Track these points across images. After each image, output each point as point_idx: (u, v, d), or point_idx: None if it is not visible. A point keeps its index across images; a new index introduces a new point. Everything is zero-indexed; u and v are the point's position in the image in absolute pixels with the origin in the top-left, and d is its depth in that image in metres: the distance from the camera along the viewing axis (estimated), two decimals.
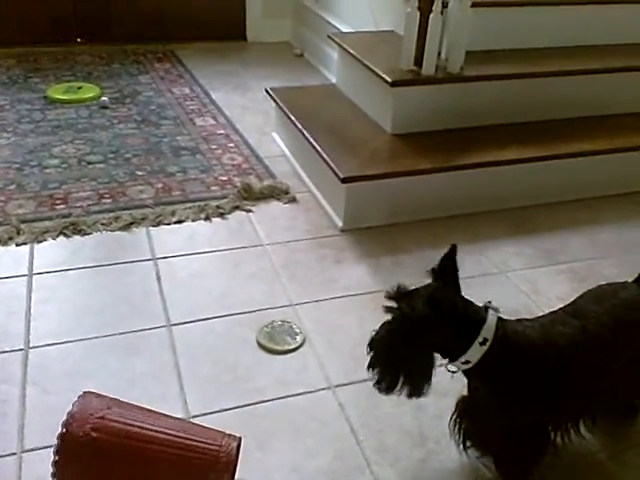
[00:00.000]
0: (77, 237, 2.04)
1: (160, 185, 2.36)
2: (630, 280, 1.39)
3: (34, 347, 1.59)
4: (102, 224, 2.10)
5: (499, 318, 1.19)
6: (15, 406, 1.43)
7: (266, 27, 4.08)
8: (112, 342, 1.63)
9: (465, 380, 1.27)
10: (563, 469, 1.36)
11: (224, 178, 2.43)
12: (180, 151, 2.63)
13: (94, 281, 1.86)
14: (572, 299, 1.35)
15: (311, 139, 2.30)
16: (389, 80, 2.26)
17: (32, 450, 1.33)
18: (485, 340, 1.15)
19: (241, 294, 1.83)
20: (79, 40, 3.81)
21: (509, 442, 1.26)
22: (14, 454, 1.32)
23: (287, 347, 1.65)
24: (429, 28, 2.23)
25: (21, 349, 1.58)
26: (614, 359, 1.29)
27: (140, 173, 2.43)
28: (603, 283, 1.38)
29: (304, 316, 1.76)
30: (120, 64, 3.59)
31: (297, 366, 1.59)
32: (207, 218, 2.18)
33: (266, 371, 1.57)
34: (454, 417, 1.34)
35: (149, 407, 1.28)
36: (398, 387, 1.18)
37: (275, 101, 2.68)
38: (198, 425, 1.31)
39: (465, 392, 1.32)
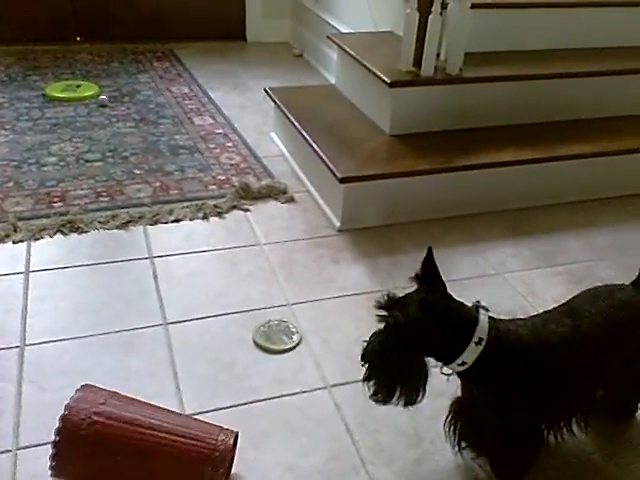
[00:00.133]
0: (74, 235, 2.04)
1: (158, 184, 2.36)
2: (627, 282, 1.39)
3: (30, 344, 1.59)
4: (99, 222, 2.09)
5: (490, 317, 1.19)
6: (11, 403, 1.42)
7: (265, 27, 4.09)
8: (108, 340, 1.63)
9: (459, 381, 1.27)
10: (558, 470, 1.36)
11: (222, 177, 2.43)
12: (178, 150, 2.63)
13: (91, 279, 1.86)
14: (567, 299, 1.35)
15: (309, 139, 2.30)
16: (388, 81, 2.26)
17: (27, 447, 1.33)
18: (480, 340, 1.15)
19: (238, 293, 1.83)
20: (78, 39, 3.81)
21: (504, 442, 1.26)
22: (9, 451, 1.32)
23: (283, 347, 1.65)
24: (428, 29, 2.24)
25: (17, 346, 1.58)
26: (607, 359, 1.29)
27: (138, 172, 2.43)
28: (600, 284, 1.39)
29: (301, 316, 1.76)
30: (119, 63, 3.59)
31: (293, 366, 1.59)
32: (205, 217, 2.18)
33: (262, 370, 1.57)
34: (449, 418, 1.34)
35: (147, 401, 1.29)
36: (395, 398, 1.17)
37: (274, 101, 2.68)
38: (195, 419, 1.32)
39: (459, 393, 1.32)
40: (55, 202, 2.19)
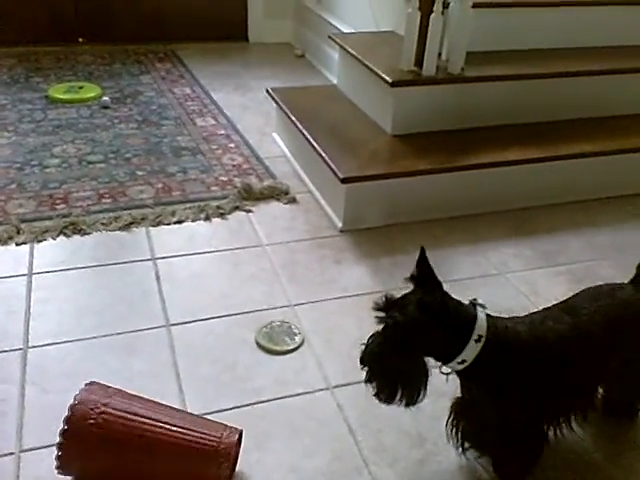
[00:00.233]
0: (77, 237, 2.04)
1: (160, 185, 2.36)
2: (627, 281, 1.40)
3: (33, 347, 1.60)
4: (102, 224, 2.10)
5: (488, 315, 1.20)
6: (14, 406, 1.43)
7: (267, 28, 4.09)
8: (111, 342, 1.63)
9: (459, 381, 1.27)
10: (559, 470, 1.36)
11: (224, 178, 2.44)
12: (180, 151, 2.63)
13: (94, 281, 1.86)
14: (567, 297, 1.36)
15: (311, 139, 2.30)
16: (389, 80, 2.26)
17: (30, 450, 1.33)
18: (480, 337, 1.15)
19: (240, 294, 1.83)
20: (80, 40, 3.82)
21: (505, 441, 1.26)
22: (12, 454, 1.32)
23: (286, 347, 1.65)
24: (430, 28, 2.23)
25: (20, 349, 1.59)
26: (606, 357, 1.29)
27: (140, 173, 2.43)
28: (601, 283, 1.39)
29: (303, 317, 1.76)
30: (121, 64, 3.59)
31: (296, 366, 1.59)
32: (207, 218, 2.18)
33: (265, 371, 1.57)
34: (450, 419, 1.34)
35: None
36: (397, 399, 1.17)
37: (276, 101, 2.68)
38: (200, 417, 1.33)
39: (459, 393, 1.32)
40: (58, 204, 2.20)
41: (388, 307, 1.15)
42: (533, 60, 2.58)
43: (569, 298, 1.35)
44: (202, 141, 2.73)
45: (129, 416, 1.23)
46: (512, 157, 2.28)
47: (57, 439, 1.20)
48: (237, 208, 2.25)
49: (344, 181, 2.08)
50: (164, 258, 1.97)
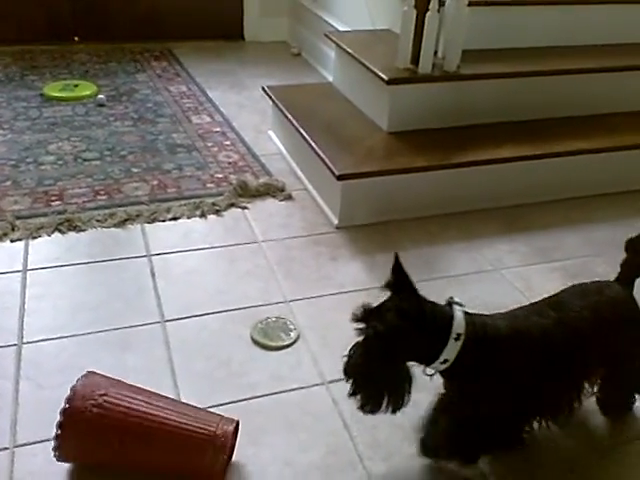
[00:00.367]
0: (72, 233, 2.04)
1: (155, 182, 2.36)
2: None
3: (28, 342, 1.59)
4: (97, 220, 2.10)
5: (465, 312, 1.20)
6: (8, 401, 1.42)
7: (263, 26, 4.08)
8: (106, 338, 1.63)
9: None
10: (549, 467, 1.36)
11: (220, 175, 2.43)
12: (176, 148, 2.63)
13: (88, 277, 1.86)
14: (554, 293, 1.36)
15: (307, 137, 2.30)
16: (385, 78, 2.27)
17: (25, 445, 1.33)
18: (459, 335, 1.16)
19: (236, 291, 1.83)
20: (76, 38, 3.81)
21: (482, 436, 1.26)
22: (6, 449, 1.32)
23: (281, 343, 1.65)
24: (426, 26, 2.24)
25: (15, 344, 1.58)
26: (592, 353, 1.29)
27: (136, 170, 2.43)
28: (587, 281, 1.39)
29: (298, 313, 1.76)
30: (117, 62, 3.59)
31: (291, 362, 1.59)
32: (202, 215, 2.18)
33: (260, 367, 1.57)
34: (429, 414, 1.34)
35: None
36: (383, 407, 1.18)
37: (271, 99, 2.68)
38: (197, 408, 1.33)
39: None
40: (53, 201, 2.19)
41: (367, 317, 1.15)
42: (528, 58, 2.59)
43: (555, 294, 1.35)
44: (198, 138, 2.73)
45: (127, 405, 1.24)
46: (507, 154, 2.28)
47: (55, 427, 1.21)
48: (233, 205, 2.25)
49: (340, 178, 2.08)
50: (159, 255, 1.96)
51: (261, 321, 1.71)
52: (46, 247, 1.97)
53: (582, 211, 2.36)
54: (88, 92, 3.09)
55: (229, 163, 2.54)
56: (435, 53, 2.35)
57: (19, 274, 1.83)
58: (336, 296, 1.84)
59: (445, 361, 1.17)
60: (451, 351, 1.16)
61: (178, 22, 3.95)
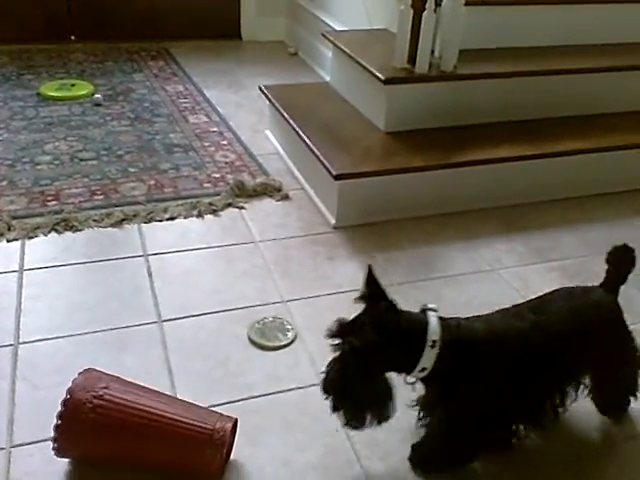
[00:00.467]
0: (68, 233, 2.03)
1: (152, 182, 2.35)
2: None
3: (24, 343, 1.59)
4: (94, 220, 2.09)
5: (440, 318, 1.19)
6: (4, 401, 1.42)
7: (261, 26, 4.08)
8: (103, 338, 1.62)
9: None
10: (532, 471, 1.36)
11: (217, 175, 2.43)
12: (173, 148, 2.62)
13: (85, 277, 1.85)
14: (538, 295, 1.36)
15: (304, 137, 2.30)
16: (382, 78, 2.26)
17: (21, 445, 1.32)
18: (434, 342, 1.15)
19: (233, 291, 1.83)
20: (73, 38, 3.80)
21: (460, 441, 1.26)
22: (3, 449, 1.31)
23: (278, 343, 1.64)
24: (422, 26, 2.24)
25: (11, 344, 1.58)
26: (575, 357, 1.28)
27: (132, 170, 2.43)
28: (572, 285, 1.39)
29: (296, 313, 1.76)
30: (114, 62, 3.58)
31: (288, 362, 1.59)
32: (199, 215, 2.17)
33: (257, 367, 1.57)
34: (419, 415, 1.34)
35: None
36: (367, 422, 1.17)
37: (269, 99, 2.68)
38: (196, 405, 1.33)
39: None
40: (49, 201, 2.19)
41: (342, 332, 1.15)
42: (525, 58, 2.59)
43: (540, 296, 1.34)
44: (195, 138, 2.73)
45: (127, 399, 1.25)
46: (505, 154, 2.28)
47: (55, 417, 1.21)
48: (230, 205, 2.24)
49: (337, 178, 2.08)
50: (156, 254, 1.96)
51: (258, 321, 1.71)
52: (43, 247, 1.96)
53: (580, 211, 2.36)
54: (85, 92, 3.08)
55: (226, 163, 2.53)
56: (432, 53, 2.34)
57: (15, 274, 1.83)
58: (333, 296, 1.83)
59: (423, 369, 1.17)
60: (428, 359, 1.16)
61: (175, 21, 3.95)
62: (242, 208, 2.24)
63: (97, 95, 3.04)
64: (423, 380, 1.22)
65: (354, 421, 1.18)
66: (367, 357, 1.13)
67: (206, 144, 2.68)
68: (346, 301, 1.79)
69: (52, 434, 1.22)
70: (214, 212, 2.20)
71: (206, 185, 2.36)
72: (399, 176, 2.16)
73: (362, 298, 1.19)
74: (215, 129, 2.83)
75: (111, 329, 1.65)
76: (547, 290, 1.38)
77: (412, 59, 2.33)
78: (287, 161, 2.56)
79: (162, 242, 2.02)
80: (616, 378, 1.42)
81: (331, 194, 2.17)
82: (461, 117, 2.45)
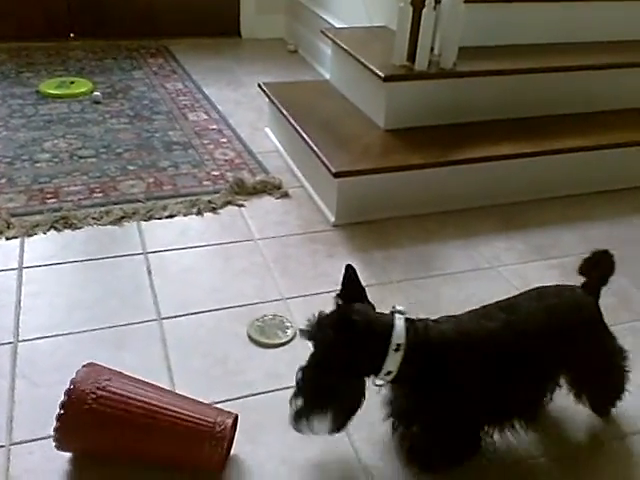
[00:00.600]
0: (68, 231, 2.03)
1: (151, 180, 2.35)
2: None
3: (23, 340, 1.59)
4: (93, 218, 2.09)
5: (408, 320, 1.19)
6: (4, 399, 1.42)
7: (260, 23, 4.08)
8: (102, 336, 1.62)
9: None
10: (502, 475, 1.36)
11: (216, 173, 2.43)
12: (172, 146, 2.62)
13: (84, 275, 1.85)
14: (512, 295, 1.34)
15: (304, 134, 2.30)
16: (382, 75, 2.26)
17: (21, 443, 1.32)
18: (398, 346, 1.15)
19: (232, 288, 1.83)
20: (72, 35, 3.80)
21: (435, 439, 1.26)
22: (2, 446, 1.31)
23: (278, 341, 1.64)
24: (422, 23, 2.23)
25: (10, 342, 1.58)
26: (549, 357, 1.26)
27: (132, 168, 2.42)
28: (550, 284, 1.37)
29: (295, 310, 1.76)
30: (113, 59, 3.57)
31: (288, 359, 1.59)
32: (199, 213, 2.17)
33: (257, 365, 1.57)
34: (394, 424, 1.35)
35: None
36: (316, 421, 1.19)
37: (268, 96, 2.67)
38: (197, 401, 1.34)
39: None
40: (48, 198, 2.19)
41: (311, 330, 1.18)
42: (525, 55, 2.59)
43: (514, 296, 1.32)
44: (194, 136, 2.72)
45: (129, 392, 1.25)
46: (505, 152, 2.28)
47: (58, 407, 1.22)
48: (229, 202, 2.24)
49: (337, 175, 2.08)
50: (155, 252, 1.96)
51: (258, 319, 1.71)
52: (42, 245, 1.96)
53: (580, 208, 2.36)
54: (84, 89, 3.08)
55: (225, 160, 2.53)
56: (431, 50, 2.34)
57: (15, 272, 1.83)
58: (333, 293, 1.80)
59: (389, 372, 1.17)
60: (392, 362, 1.15)
61: (174, 19, 3.94)
62: (241, 206, 2.24)
63: (96, 93, 3.03)
64: (394, 383, 1.22)
65: (307, 415, 1.19)
66: (326, 355, 1.15)
67: (205, 142, 2.68)
68: None
69: (54, 425, 1.22)
70: (213, 210, 2.20)
71: (205, 183, 2.35)
72: (398, 174, 2.16)
73: (339, 296, 1.21)
74: (214, 127, 2.83)
75: (110, 327, 1.65)
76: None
77: (411, 56, 2.32)
78: (286, 159, 2.56)
79: (161, 240, 2.02)
80: (599, 378, 1.39)
81: (330, 192, 2.16)
82: (460, 114, 2.45)
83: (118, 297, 1.76)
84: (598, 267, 1.37)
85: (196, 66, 3.54)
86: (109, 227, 2.07)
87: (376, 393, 1.25)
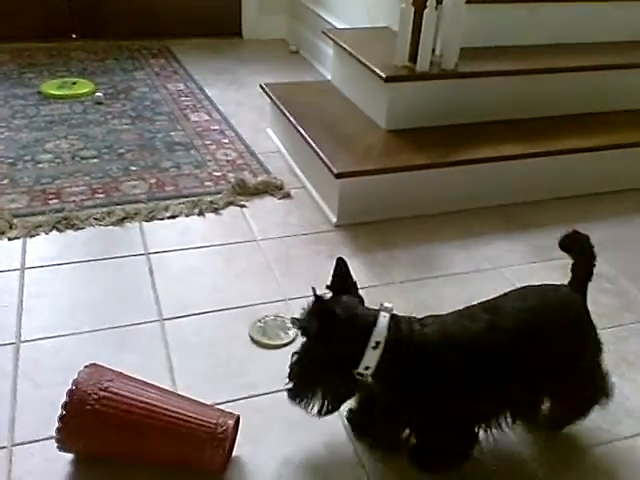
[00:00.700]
0: (70, 232, 2.03)
1: (154, 180, 2.35)
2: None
3: (26, 341, 1.59)
4: (95, 219, 2.09)
5: (393, 318, 1.19)
6: (6, 400, 1.42)
7: (262, 24, 4.08)
8: (104, 336, 1.62)
9: None
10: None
11: (218, 174, 2.43)
12: (174, 146, 2.62)
13: (86, 275, 1.85)
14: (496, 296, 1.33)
15: (306, 135, 2.30)
16: (383, 76, 2.26)
17: (22, 444, 1.32)
18: (377, 343, 1.15)
19: (234, 289, 1.83)
20: (74, 36, 3.80)
21: (423, 438, 1.27)
22: (4, 448, 1.31)
23: (280, 342, 1.64)
24: (423, 24, 2.23)
25: (13, 343, 1.58)
26: (529, 357, 1.22)
27: (134, 168, 2.43)
28: (537, 283, 1.35)
29: (297, 311, 1.73)
30: (115, 60, 3.58)
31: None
32: (201, 213, 2.17)
33: (259, 366, 1.57)
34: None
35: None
36: (309, 402, 1.24)
37: (270, 97, 2.67)
38: (199, 402, 1.34)
39: None
40: (50, 199, 2.19)
41: (297, 320, 1.21)
42: (527, 56, 2.59)
43: (497, 296, 1.30)
44: (196, 136, 2.73)
45: (132, 393, 1.25)
46: (506, 152, 2.28)
47: (60, 408, 1.22)
48: (231, 203, 2.24)
49: (338, 176, 2.08)
50: (157, 253, 1.96)
51: (260, 319, 1.71)
52: (44, 245, 1.96)
53: (582, 209, 2.35)
54: (86, 90, 3.08)
55: (227, 161, 2.53)
56: (433, 51, 2.34)
57: (17, 272, 1.83)
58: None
59: (367, 368, 1.17)
60: (370, 358, 1.16)
61: (176, 19, 3.95)
62: (243, 206, 2.24)
63: (98, 93, 3.03)
64: (378, 382, 1.23)
65: (293, 396, 1.24)
66: (309, 345, 1.19)
67: (207, 142, 2.68)
68: None
69: (56, 425, 1.22)
70: (215, 210, 2.20)
71: (207, 183, 2.36)
72: (400, 174, 2.16)
73: (328, 288, 1.23)
74: (216, 127, 2.83)
75: (112, 327, 1.65)
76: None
77: (413, 57, 2.32)
78: (288, 159, 2.56)
79: (163, 240, 2.02)
80: (575, 385, 1.33)
81: (332, 192, 2.16)
82: (462, 115, 2.44)
83: (120, 298, 1.76)
84: (576, 246, 1.32)
85: (198, 67, 3.54)
86: (111, 228, 2.07)
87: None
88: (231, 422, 1.27)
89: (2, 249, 1.93)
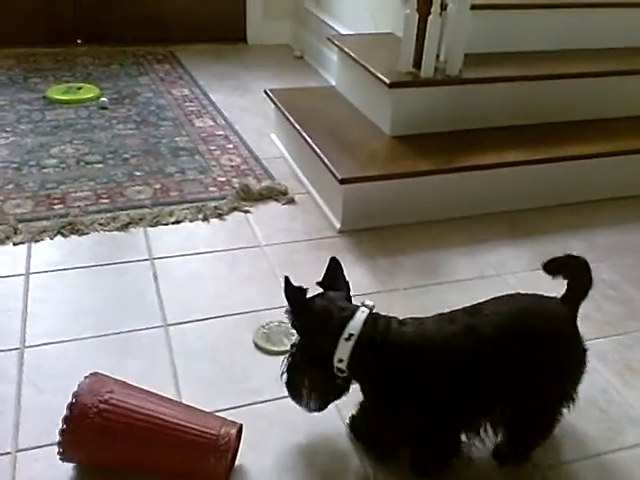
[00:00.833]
0: (74, 237, 2.04)
1: (158, 186, 2.36)
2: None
3: (30, 346, 1.59)
4: (100, 224, 2.10)
5: (373, 315, 1.21)
6: (10, 405, 1.42)
7: (266, 29, 4.09)
8: (108, 342, 1.63)
9: None
10: None
11: (222, 179, 2.43)
12: (179, 152, 2.63)
13: (91, 281, 1.86)
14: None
15: (310, 140, 2.30)
16: (387, 82, 2.27)
17: (27, 450, 1.32)
18: (350, 335, 1.17)
19: (238, 295, 1.83)
20: (79, 41, 3.82)
21: (410, 439, 1.28)
22: (8, 453, 1.31)
23: (284, 348, 1.63)
24: (428, 30, 2.24)
25: (17, 348, 1.58)
26: (505, 364, 1.18)
27: (138, 173, 2.43)
28: (525, 292, 1.34)
29: None
30: (120, 65, 3.59)
31: None
32: (205, 219, 2.18)
33: (262, 372, 1.57)
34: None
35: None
36: (302, 396, 1.29)
37: (274, 102, 2.68)
38: (201, 411, 1.33)
39: None
40: (55, 204, 2.19)
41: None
42: (531, 62, 2.59)
43: (484, 301, 1.28)
44: (200, 142, 2.73)
45: (132, 404, 1.25)
46: (510, 159, 2.28)
47: (61, 421, 1.22)
48: (235, 209, 2.25)
49: (342, 182, 2.08)
50: (162, 258, 1.96)
51: (263, 325, 1.71)
52: (48, 250, 1.97)
53: (586, 216, 2.35)
54: (91, 95, 3.09)
55: (232, 166, 2.54)
56: (437, 57, 2.34)
57: (22, 277, 1.83)
58: None
59: (340, 360, 1.19)
60: (343, 350, 1.18)
61: (181, 25, 3.96)
62: (247, 212, 2.25)
63: (103, 98, 3.05)
64: (356, 379, 1.27)
65: (287, 387, 1.31)
66: (295, 340, 1.27)
67: (212, 148, 2.69)
68: None
69: (57, 438, 1.22)
70: (220, 216, 2.20)
71: (212, 189, 2.36)
72: (404, 180, 2.16)
73: (319, 285, 1.29)
74: (221, 133, 2.84)
75: (117, 333, 1.65)
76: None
77: (417, 63, 2.33)
78: (292, 165, 2.57)
79: (167, 246, 2.03)
80: (540, 407, 1.27)
81: (336, 198, 2.17)
82: (466, 121, 2.44)
83: (124, 303, 1.76)
84: (569, 271, 1.30)
85: (202, 72, 3.56)
86: (116, 233, 2.07)
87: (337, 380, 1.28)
88: (234, 432, 1.26)
89: (7, 254, 1.93)
